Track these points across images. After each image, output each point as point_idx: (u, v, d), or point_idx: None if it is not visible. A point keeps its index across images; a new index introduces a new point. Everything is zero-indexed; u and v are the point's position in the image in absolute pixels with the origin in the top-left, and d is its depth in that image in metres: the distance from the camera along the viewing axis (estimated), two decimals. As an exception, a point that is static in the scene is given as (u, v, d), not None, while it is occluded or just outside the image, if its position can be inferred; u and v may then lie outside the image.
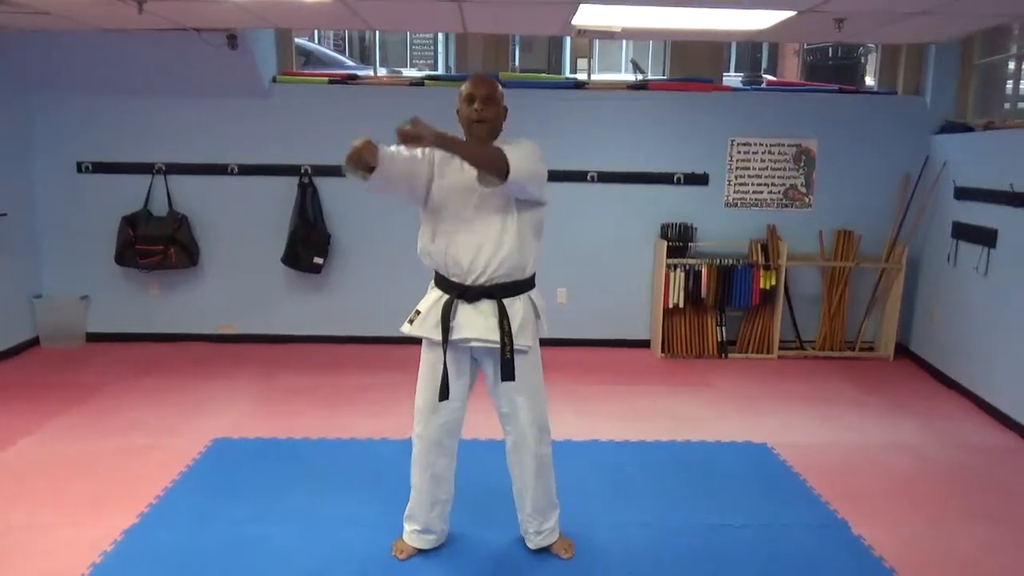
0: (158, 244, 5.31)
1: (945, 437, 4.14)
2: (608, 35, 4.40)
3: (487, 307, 2.58)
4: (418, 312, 2.68)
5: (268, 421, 4.15)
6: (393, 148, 2.51)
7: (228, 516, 3.10)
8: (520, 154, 2.44)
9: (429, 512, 2.80)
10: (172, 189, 5.39)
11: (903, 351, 5.56)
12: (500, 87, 2.62)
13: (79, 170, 5.38)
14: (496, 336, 2.56)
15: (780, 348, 5.52)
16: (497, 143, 2.56)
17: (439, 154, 2.60)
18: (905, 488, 3.52)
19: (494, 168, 2.40)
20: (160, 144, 5.35)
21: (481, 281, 2.57)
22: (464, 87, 2.59)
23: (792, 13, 3.75)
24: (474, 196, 2.53)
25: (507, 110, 2.65)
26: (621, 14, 3.88)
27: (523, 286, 2.65)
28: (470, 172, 2.51)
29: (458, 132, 2.62)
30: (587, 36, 4.49)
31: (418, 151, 2.56)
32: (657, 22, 4.08)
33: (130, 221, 5.32)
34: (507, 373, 2.58)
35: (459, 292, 2.59)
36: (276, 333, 5.61)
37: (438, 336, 2.59)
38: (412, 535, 2.84)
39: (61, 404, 4.31)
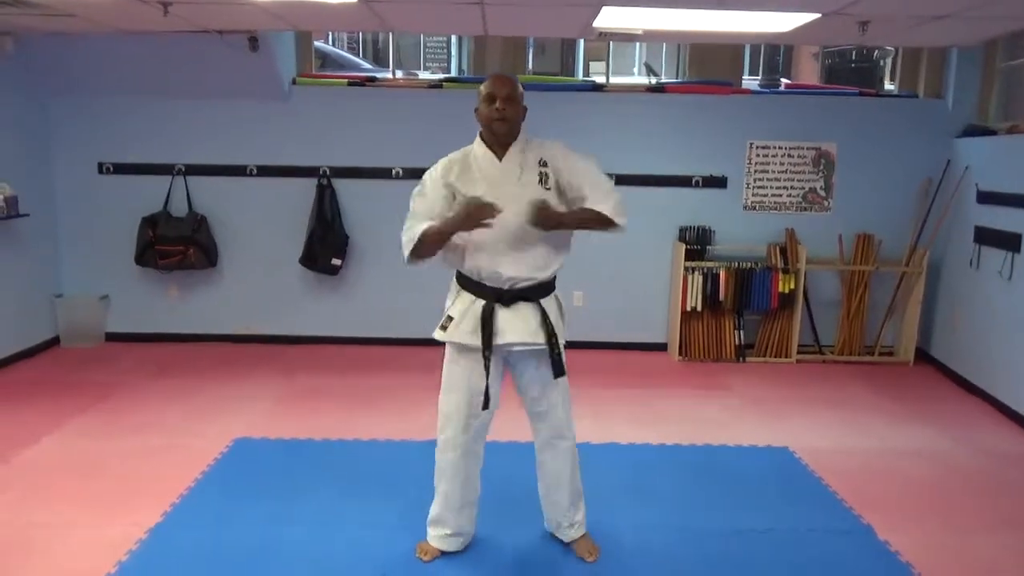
0: (178, 245, 5.34)
1: (967, 443, 4.10)
2: (629, 37, 4.40)
3: (526, 310, 2.59)
4: (450, 318, 2.65)
5: (288, 422, 4.16)
6: (427, 225, 2.55)
7: (251, 516, 3.11)
8: (618, 200, 2.62)
9: (459, 515, 2.80)
10: (192, 190, 5.42)
11: (923, 356, 5.52)
12: (520, 86, 2.61)
13: (100, 171, 5.42)
14: (540, 338, 2.58)
15: (798, 352, 5.49)
16: (524, 143, 2.60)
17: (452, 177, 2.58)
18: (928, 494, 3.49)
19: (609, 230, 2.63)
20: (180, 145, 5.39)
21: (518, 285, 2.57)
22: (484, 86, 2.59)
23: (817, 15, 3.74)
24: (508, 205, 2.48)
25: (527, 109, 2.65)
26: (643, 16, 3.88)
27: (552, 286, 2.68)
28: (498, 182, 2.53)
29: (473, 133, 2.66)
30: (608, 39, 4.49)
31: (441, 198, 2.59)
32: (679, 24, 4.08)
33: (150, 222, 5.35)
34: (559, 370, 2.62)
35: (496, 297, 2.58)
36: (294, 334, 5.63)
37: (476, 342, 2.57)
38: (441, 539, 2.83)
39: (81, 403, 4.33)
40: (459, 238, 2.54)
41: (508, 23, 4.21)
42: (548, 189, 2.58)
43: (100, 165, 5.41)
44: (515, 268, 2.55)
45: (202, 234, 5.39)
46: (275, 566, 2.77)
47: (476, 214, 2.33)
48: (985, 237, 4.80)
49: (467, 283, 2.65)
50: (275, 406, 4.41)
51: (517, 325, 2.57)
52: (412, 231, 2.56)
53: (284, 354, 5.40)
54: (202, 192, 5.44)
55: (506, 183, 2.55)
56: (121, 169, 5.42)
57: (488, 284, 2.58)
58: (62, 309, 5.48)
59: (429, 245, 2.54)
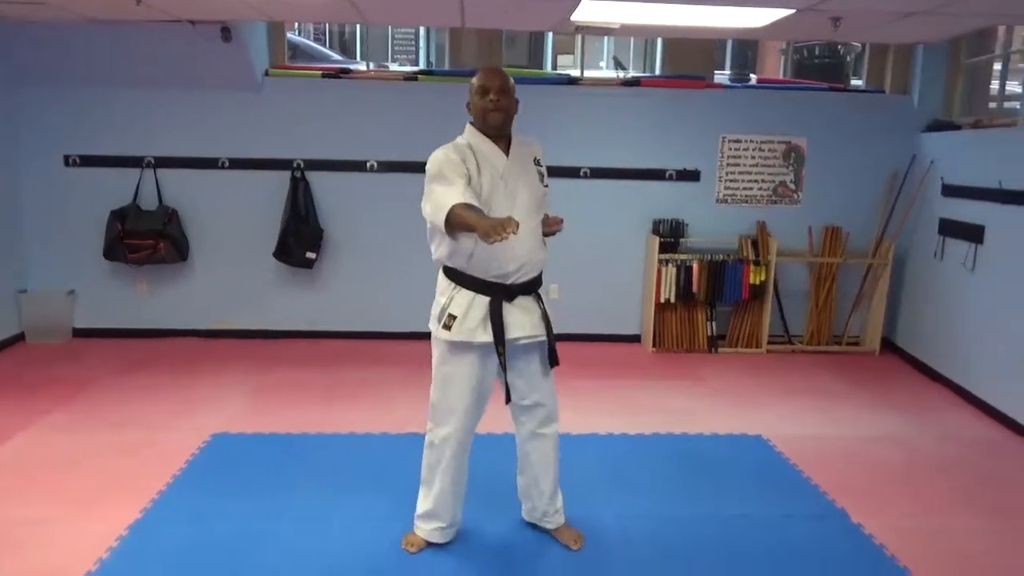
0: (148, 238, 5.24)
1: (933, 428, 4.23)
2: (605, 31, 4.43)
3: (527, 303, 2.64)
4: (452, 316, 2.60)
5: (265, 416, 4.13)
6: (465, 205, 2.37)
7: (234, 511, 3.09)
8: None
9: (455, 508, 2.83)
10: (162, 183, 5.33)
11: (888, 345, 5.67)
12: (511, 79, 2.63)
13: (66, 163, 5.30)
14: (541, 330, 2.65)
15: (769, 343, 5.60)
16: (523, 138, 2.66)
17: (473, 162, 2.53)
18: (898, 478, 3.60)
19: None
20: (149, 137, 5.29)
21: (520, 280, 2.60)
22: (477, 79, 2.60)
23: (791, 11, 3.80)
24: (516, 199, 2.55)
25: (519, 102, 2.66)
26: (621, 10, 3.91)
27: (542, 278, 2.74)
28: (509, 178, 2.56)
29: (452, 126, 2.66)
30: (585, 32, 4.51)
31: (465, 181, 2.47)
32: (656, 18, 4.12)
33: (119, 215, 5.25)
34: (554, 360, 2.71)
35: (502, 292, 2.59)
36: (268, 328, 5.58)
37: (483, 339, 2.57)
38: (435, 532, 2.84)
39: (51, 400, 4.25)
40: (470, 239, 2.48)
41: (486, 16, 4.21)
42: (546, 187, 2.69)
43: (66, 157, 5.29)
44: (520, 263, 2.59)
45: (173, 228, 5.30)
46: (261, 561, 2.76)
47: (499, 229, 2.13)
48: (949, 229, 4.94)
49: (465, 280, 2.61)
50: (251, 401, 4.37)
51: (522, 319, 2.61)
52: (443, 199, 2.38)
53: (258, 349, 5.35)
54: (173, 185, 5.35)
55: (515, 180, 2.59)
56: (88, 161, 5.31)
57: (494, 280, 2.58)
58: (27, 305, 5.36)
59: (456, 226, 2.39)
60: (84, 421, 4.01)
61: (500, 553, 2.86)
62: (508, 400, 2.71)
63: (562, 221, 2.71)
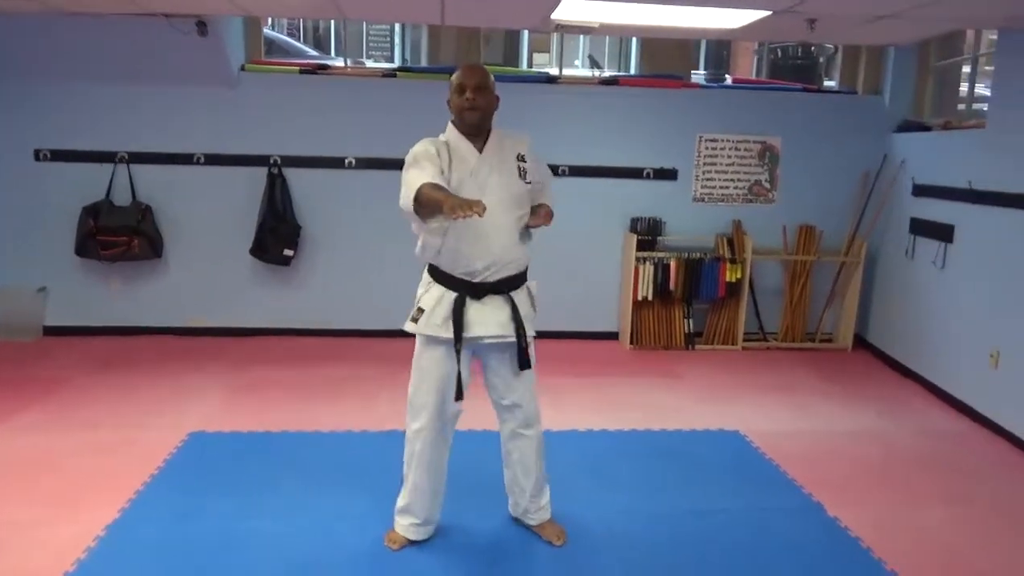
0: (121, 235, 5.16)
1: (905, 423, 4.32)
2: (585, 30, 4.45)
3: (497, 302, 2.63)
4: (421, 310, 2.65)
5: (243, 415, 4.10)
6: (432, 187, 2.40)
7: (214, 510, 3.06)
8: (550, 188, 2.85)
9: (430, 504, 2.82)
10: (136, 178, 5.25)
11: (860, 342, 5.77)
12: (491, 77, 2.63)
13: (36, 158, 5.20)
14: (509, 330, 2.62)
15: (744, 339, 5.67)
16: (501, 135, 2.65)
17: (446, 157, 2.56)
18: (873, 472, 3.67)
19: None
20: (123, 132, 5.21)
21: (491, 279, 2.59)
22: (455, 77, 2.60)
23: (768, 13, 3.85)
24: (486, 194, 2.50)
25: (499, 99, 2.67)
26: (601, 10, 3.93)
27: (523, 278, 2.71)
28: (480, 173, 2.56)
29: (432, 123, 2.67)
30: (565, 31, 4.53)
31: (437, 169, 2.51)
32: (635, 18, 4.15)
33: (91, 211, 5.16)
34: (525, 362, 2.66)
35: (468, 290, 2.60)
36: (244, 326, 5.52)
37: (447, 334, 2.59)
38: (410, 528, 2.84)
39: (24, 399, 4.17)
40: (437, 236, 2.54)
41: (466, 13, 4.21)
42: (528, 183, 2.66)
43: (37, 152, 5.19)
44: (489, 261, 2.57)
45: (147, 224, 5.23)
46: (243, 560, 2.74)
47: (464, 206, 2.17)
48: (920, 228, 5.04)
49: (439, 276, 2.65)
50: (228, 399, 4.33)
51: (487, 318, 2.61)
52: (414, 180, 2.43)
53: (235, 347, 5.29)
54: (147, 181, 5.27)
55: (486, 174, 2.58)
56: (60, 156, 5.21)
57: (461, 277, 2.60)
58: (-4, 302, 5.26)
59: (424, 204, 2.41)
60: (58, 420, 3.95)
61: (483, 550, 2.87)
62: (458, 397, 2.65)
63: (550, 215, 2.69)
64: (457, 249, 2.56)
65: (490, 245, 2.56)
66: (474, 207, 2.16)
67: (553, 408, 4.25)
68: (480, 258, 2.56)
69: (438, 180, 2.43)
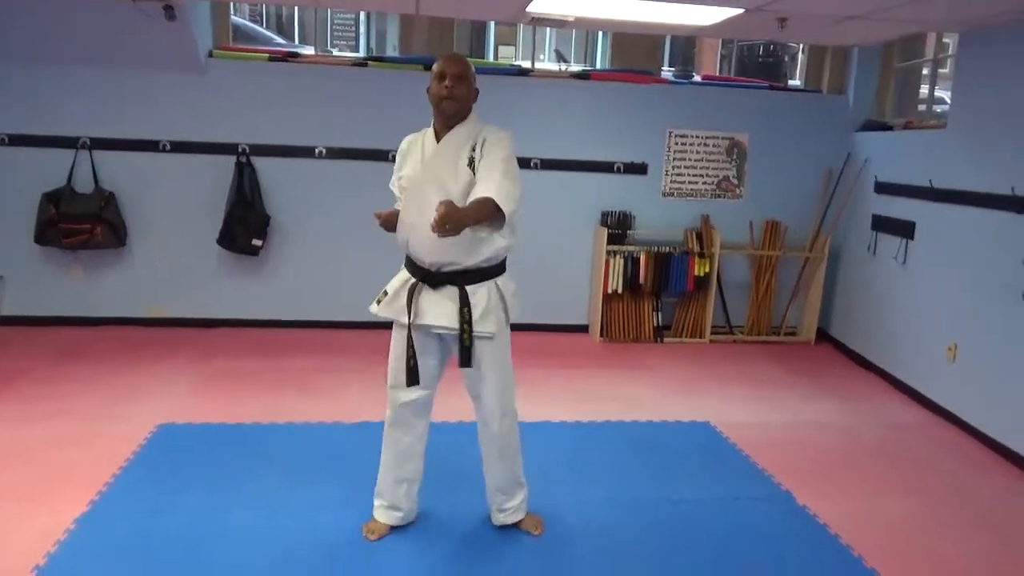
0: (84, 223, 5.03)
1: (869, 414, 4.45)
2: (560, 24, 4.46)
3: (450, 293, 2.59)
4: (386, 292, 2.70)
5: (211, 406, 4.04)
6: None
7: (187, 502, 3.01)
8: (504, 187, 2.45)
9: (396, 489, 2.83)
10: (98, 165, 5.12)
11: (823, 335, 5.91)
12: (472, 68, 2.63)
13: (-6, 142, 5.05)
14: (454, 323, 2.58)
15: (712, 333, 5.76)
16: (468, 127, 2.60)
17: (403, 147, 2.72)
18: (839, 461, 3.77)
19: (497, 222, 2.51)
20: (86, 117, 5.07)
21: (445, 270, 2.59)
22: (435, 66, 2.59)
23: (740, 11, 3.91)
24: (431, 187, 2.51)
25: (479, 91, 2.67)
26: (577, 3, 3.95)
27: (488, 273, 2.64)
28: (428, 166, 2.57)
29: (410, 113, 2.70)
30: (539, 24, 4.53)
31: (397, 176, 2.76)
32: (609, 13, 4.18)
33: (52, 198, 5.02)
34: (464, 359, 2.61)
35: (423, 276, 2.62)
36: (211, 317, 5.43)
37: (403, 318, 2.61)
38: (379, 510, 2.87)
39: (-17, 391, 4.06)
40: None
41: (442, 4, 4.20)
42: (473, 173, 2.54)
43: (-6, 136, 5.04)
44: (437, 253, 2.54)
45: (110, 211, 5.11)
46: (219, 553, 2.70)
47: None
48: (882, 225, 5.18)
49: (408, 262, 2.69)
50: (196, 391, 4.26)
51: (437, 307, 2.60)
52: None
53: (201, 337, 5.21)
54: (110, 167, 5.14)
55: (436, 165, 2.56)
56: (17, 140, 5.05)
57: (418, 264, 2.62)
58: (-50, 291, 5.09)
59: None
60: (19, 412, 3.84)
61: (460, 539, 2.88)
62: (410, 382, 2.64)
63: (442, 218, 2.20)
64: (410, 237, 2.60)
65: (422, 237, 2.49)
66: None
67: (525, 399, 4.20)
68: (427, 248, 2.55)
69: (393, 187, 2.76)
